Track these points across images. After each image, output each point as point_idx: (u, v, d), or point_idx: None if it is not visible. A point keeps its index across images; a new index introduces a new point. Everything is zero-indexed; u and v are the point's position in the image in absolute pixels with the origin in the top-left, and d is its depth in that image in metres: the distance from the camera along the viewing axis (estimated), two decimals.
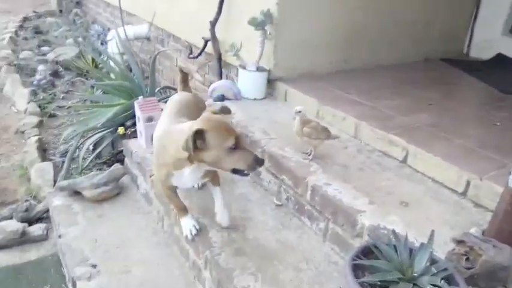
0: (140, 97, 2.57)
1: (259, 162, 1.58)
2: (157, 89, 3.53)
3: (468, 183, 1.79)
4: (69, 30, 6.26)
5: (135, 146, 2.57)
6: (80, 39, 5.69)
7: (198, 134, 1.51)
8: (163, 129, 1.76)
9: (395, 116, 2.35)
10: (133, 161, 2.53)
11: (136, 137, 2.66)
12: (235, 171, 1.59)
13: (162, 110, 2.57)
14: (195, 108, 1.91)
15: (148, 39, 4.71)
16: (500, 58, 3.62)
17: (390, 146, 2.12)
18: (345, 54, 3.15)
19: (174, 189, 1.84)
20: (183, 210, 1.89)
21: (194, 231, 1.86)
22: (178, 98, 2.03)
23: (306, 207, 1.94)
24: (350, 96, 2.62)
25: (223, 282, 1.65)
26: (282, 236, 1.89)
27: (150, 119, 2.49)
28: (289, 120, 2.50)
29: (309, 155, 2.07)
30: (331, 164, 2.05)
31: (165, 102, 3.17)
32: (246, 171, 1.58)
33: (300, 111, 2.04)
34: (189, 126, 1.56)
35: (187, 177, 1.69)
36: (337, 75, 3.02)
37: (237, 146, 1.55)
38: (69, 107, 3.96)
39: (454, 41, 3.90)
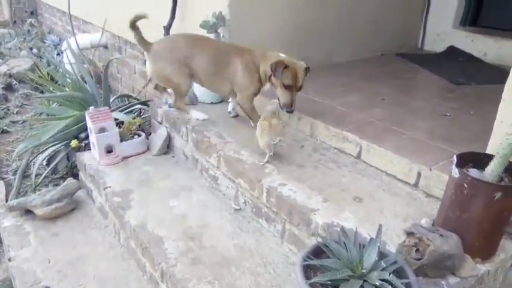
0: (91, 107, 2.49)
1: (288, 109, 2.20)
2: (114, 98, 3.44)
3: (419, 175, 1.81)
4: (23, 41, 6.04)
5: (88, 159, 2.50)
6: (35, 50, 5.50)
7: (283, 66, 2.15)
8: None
9: (349, 112, 2.37)
10: (87, 175, 2.45)
11: (90, 149, 2.58)
12: (279, 100, 2.20)
13: (115, 119, 2.53)
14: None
15: (105, 47, 4.60)
16: (452, 50, 3.72)
17: (344, 143, 2.12)
18: (301, 52, 3.14)
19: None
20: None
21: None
22: None
23: (263, 210, 1.93)
24: (306, 95, 2.62)
25: None
26: (240, 240, 1.86)
27: (102, 130, 2.41)
28: (246, 123, 2.49)
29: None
30: (287, 164, 2.04)
31: (122, 110, 3.11)
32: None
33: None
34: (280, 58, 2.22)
35: None
36: None
37: (290, 88, 2.18)
38: (23, 121, 3.81)
39: (408, 36, 3.98)
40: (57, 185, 2.83)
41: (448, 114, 2.36)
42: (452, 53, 3.68)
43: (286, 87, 2.15)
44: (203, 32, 2.67)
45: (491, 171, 1.35)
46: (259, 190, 1.90)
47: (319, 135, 2.28)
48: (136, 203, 2.13)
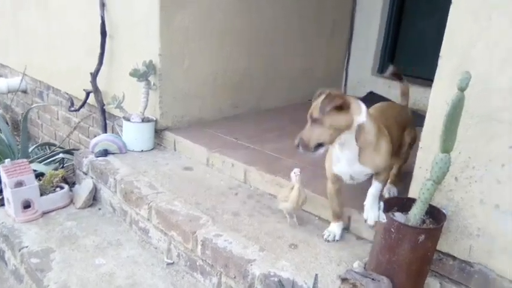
0: (7, 160, 2.29)
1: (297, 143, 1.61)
2: (33, 147, 3.21)
3: (349, 218, 1.87)
4: None
5: (1, 216, 2.26)
6: None
7: None
8: None
9: (281, 158, 2.42)
10: (0, 234, 2.21)
11: (3, 204, 2.34)
12: None
13: (34, 171, 2.34)
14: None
15: (24, 91, 4.34)
16: (372, 95, 4.01)
17: (278, 188, 2.15)
18: (233, 100, 3.21)
19: (337, 187, 1.77)
20: (337, 217, 1.83)
21: (332, 238, 1.81)
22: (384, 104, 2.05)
23: (197, 263, 1.85)
24: (238, 141, 2.65)
25: None
26: None
27: (19, 184, 2.22)
28: (179, 171, 2.45)
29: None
30: (222, 213, 2.01)
31: (43, 160, 2.90)
32: None
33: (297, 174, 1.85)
34: None
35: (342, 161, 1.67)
36: (226, 121, 3.05)
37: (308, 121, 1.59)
38: None
39: (332, 82, 4.24)
40: None
41: None
42: (373, 98, 3.96)
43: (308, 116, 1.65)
44: (134, 80, 2.63)
45: (414, 215, 1.43)
46: (194, 242, 1.84)
47: (252, 182, 2.29)
48: (57, 263, 1.94)
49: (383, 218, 1.45)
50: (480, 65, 1.39)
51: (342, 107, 1.53)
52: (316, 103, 1.59)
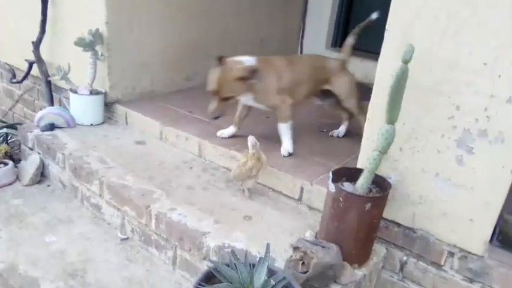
0: None
1: (210, 116, 2.05)
2: None
3: (302, 189, 1.93)
4: None
5: None
6: None
7: None
8: None
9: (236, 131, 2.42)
10: None
11: None
12: None
13: None
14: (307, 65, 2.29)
15: None
16: None
17: (232, 162, 2.15)
18: (187, 71, 3.15)
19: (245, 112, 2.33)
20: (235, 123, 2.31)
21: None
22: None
23: (152, 237, 1.85)
24: (192, 115, 2.61)
25: None
26: (129, 272, 1.76)
27: None
28: (131, 145, 2.39)
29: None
30: (176, 187, 2.00)
31: None
32: None
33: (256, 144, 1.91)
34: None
35: None
36: (180, 94, 2.99)
37: (214, 94, 1.97)
38: None
39: (288, 54, 4.25)
40: None
41: (325, 130, 2.56)
42: None
43: (211, 93, 2.02)
44: (80, 50, 2.50)
45: (361, 185, 1.50)
46: (148, 217, 1.83)
47: (207, 155, 2.29)
48: (3, 242, 1.87)
49: (332, 188, 1.50)
50: (423, 38, 1.44)
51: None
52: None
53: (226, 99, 2.01)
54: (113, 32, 2.57)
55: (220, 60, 2.00)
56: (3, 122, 3.15)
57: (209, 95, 2.02)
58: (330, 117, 2.85)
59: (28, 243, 1.87)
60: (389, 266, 1.72)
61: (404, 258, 1.68)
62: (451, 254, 1.57)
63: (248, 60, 2.05)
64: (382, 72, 1.57)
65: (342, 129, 2.50)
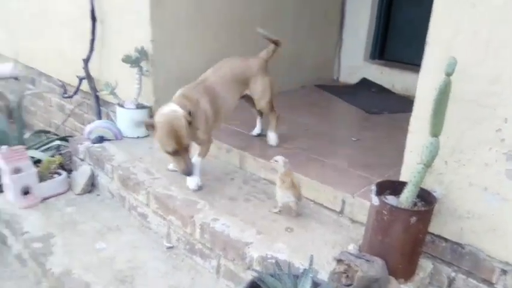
0: (4, 147, 2.30)
1: (187, 174, 1.97)
2: (29, 134, 3.21)
3: (343, 202, 1.93)
4: None
5: (1, 202, 2.28)
6: None
7: (152, 126, 1.88)
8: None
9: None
10: (1, 220, 2.24)
11: (3, 191, 2.36)
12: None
13: (31, 158, 2.36)
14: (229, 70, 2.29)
15: (16, 78, 4.30)
16: (364, 82, 4.05)
17: (273, 174, 2.19)
18: None
19: None
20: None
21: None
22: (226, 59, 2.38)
23: (196, 246, 1.91)
24: (232, 127, 2.68)
25: None
26: (175, 280, 1.82)
27: (17, 170, 2.24)
28: None
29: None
30: (219, 199, 2.05)
31: (39, 147, 2.91)
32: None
33: (277, 161, 1.86)
34: (157, 114, 1.93)
35: None
36: None
37: (177, 152, 1.87)
38: None
39: (325, 68, 4.27)
40: None
41: (354, 139, 2.58)
42: (365, 84, 4.01)
43: (172, 153, 1.89)
44: (127, 66, 2.63)
45: (406, 198, 1.49)
46: (192, 227, 1.89)
47: (248, 167, 2.33)
48: (59, 248, 1.99)
49: (376, 201, 1.51)
50: (464, 51, 1.44)
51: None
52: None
53: (186, 150, 1.91)
54: (157, 49, 2.69)
55: (150, 124, 1.89)
56: (56, 134, 3.34)
57: (171, 157, 1.93)
58: (367, 128, 2.85)
59: (81, 250, 1.98)
60: (436, 282, 1.68)
61: (453, 274, 1.64)
62: (504, 272, 1.52)
63: (175, 106, 1.93)
64: (424, 85, 1.56)
65: (257, 128, 2.59)
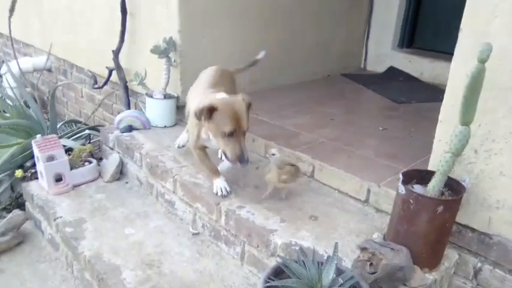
0: (38, 135, 2.40)
1: (242, 160, 1.75)
2: (60, 123, 3.32)
3: (369, 191, 1.92)
4: None
5: (36, 188, 2.39)
6: None
7: (211, 109, 1.73)
8: (196, 96, 1.97)
9: (300, 133, 2.46)
10: (35, 205, 2.34)
11: (37, 178, 2.47)
12: (224, 153, 1.80)
13: (63, 146, 2.45)
14: (224, 77, 2.21)
15: (49, 70, 4.45)
16: (392, 70, 3.97)
17: (298, 163, 2.19)
18: (252, 76, 3.23)
19: (204, 151, 2.03)
20: (215, 172, 2.02)
21: (225, 192, 1.96)
22: (211, 69, 2.28)
23: (222, 233, 1.94)
24: (258, 117, 2.69)
25: None
26: (200, 265, 1.86)
27: (50, 158, 2.33)
28: None
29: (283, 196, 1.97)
30: (244, 187, 2.08)
31: (70, 137, 3.02)
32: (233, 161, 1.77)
33: (274, 154, 1.86)
34: (209, 99, 1.77)
35: (212, 139, 1.87)
36: None
37: (233, 135, 1.74)
38: None
39: (352, 57, 4.21)
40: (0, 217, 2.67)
41: (381, 129, 2.55)
42: (393, 73, 3.93)
43: (228, 134, 1.74)
44: (155, 57, 2.68)
45: (433, 187, 1.47)
46: (218, 213, 1.92)
47: None
48: (90, 232, 2.06)
49: (402, 190, 1.49)
50: (501, 36, 1.39)
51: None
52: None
53: (243, 135, 1.80)
54: (185, 39, 2.73)
55: (211, 109, 1.75)
56: (86, 124, 3.45)
57: (223, 142, 1.77)
58: (394, 117, 2.80)
59: (110, 234, 2.04)
60: (462, 273, 1.66)
61: (479, 264, 1.61)
62: None
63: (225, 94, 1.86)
64: (456, 73, 1.52)
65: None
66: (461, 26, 1.48)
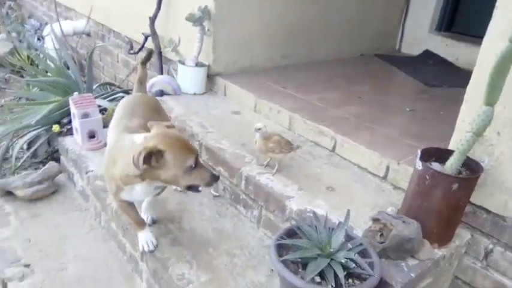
0: (75, 93, 2.53)
1: (215, 178, 1.53)
2: (96, 85, 3.47)
3: (388, 168, 1.94)
4: (1, 24, 5.93)
5: (70, 143, 2.53)
6: (14, 34, 5.42)
7: (153, 153, 1.40)
8: (114, 139, 1.64)
9: (326, 108, 2.48)
10: (69, 159, 2.49)
11: (72, 134, 2.61)
12: (189, 187, 1.52)
13: (98, 106, 2.57)
14: (148, 108, 1.85)
15: (88, 34, 4.59)
16: (427, 54, 3.89)
17: (320, 137, 2.24)
18: (284, 49, 3.26)
19: (128, 202, 1.69)
20: (140, 224, 1.76)
21: (152, 246, 1.75)
22: (129, 99, 1.92)
23: (241, 197, 2.02)
24: (286, 90, 2.73)
25: (159, 271, 1.69)
26: (219, 224, 1.95)
27: (85, 115, 2.46)
28: (228, 114, 2.59)
29: (273, 169, 1.98)
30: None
31: (105, 98, 3.15)
32: (200, 188, 1.53)
33: (260, 129, 1.89)
34: (143, 142, 1.44)
35: (139, 192, 1.58)
36: (275, 70, 3.12)
37: (196, 164, 1.48)
38: (2, 105, 3.79)
39: (387, 38, 4.13)
40: (36, 168, 2.85)
41: (408, 109, 2.54)
42: (427, 56, 3.84)
43: (193, 166, 1.48)
44: (189, 25, 2.73)
45: (450, 165, 1.48)
46: (239, 178, 1.99)
47: (297, 129, 2.39)
48: None
49: (419, 165, 1.51)
50: None
51: None
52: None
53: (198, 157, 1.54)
54: (220, 9, 2.76)
55: (149, 151, 1.40)
56: (120, 87, 3.58)
57: (188, 177, 1.49)
58: (423, 100, 2.77)
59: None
60: (473, 253, 1.68)
61: (491, 246, 1.62)
62: None
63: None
64: (486, 53, 1.51)
65: None
66: (497, 4, 1.46)
